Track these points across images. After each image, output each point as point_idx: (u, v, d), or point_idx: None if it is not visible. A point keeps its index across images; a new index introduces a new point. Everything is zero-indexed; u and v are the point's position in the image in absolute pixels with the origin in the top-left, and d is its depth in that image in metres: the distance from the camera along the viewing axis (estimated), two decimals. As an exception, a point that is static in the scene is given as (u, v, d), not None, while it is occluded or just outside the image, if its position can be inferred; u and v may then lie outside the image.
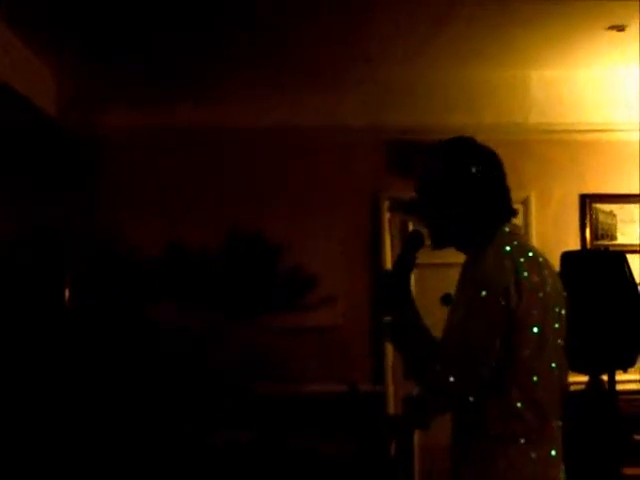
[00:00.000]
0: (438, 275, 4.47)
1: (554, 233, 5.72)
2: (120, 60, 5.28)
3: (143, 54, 5.17)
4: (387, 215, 5.81)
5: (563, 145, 5.83)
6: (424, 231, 2.31)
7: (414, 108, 5.67)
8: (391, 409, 5.69)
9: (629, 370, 4.00)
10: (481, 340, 2.07)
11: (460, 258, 2.32)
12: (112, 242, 5.48)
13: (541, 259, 2.22)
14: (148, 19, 4.63)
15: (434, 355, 2.12)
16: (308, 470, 4.89)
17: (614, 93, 5.74)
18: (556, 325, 2.18)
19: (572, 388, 3.95)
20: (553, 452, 2.16)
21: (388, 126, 5.69)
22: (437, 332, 2.20)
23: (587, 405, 4.20)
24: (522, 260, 2.13)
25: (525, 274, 2.10)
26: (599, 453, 4.13)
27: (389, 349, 5.52)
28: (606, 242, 5.76)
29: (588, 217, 5.84)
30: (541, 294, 2.14)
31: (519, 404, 2.10)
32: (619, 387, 4.18)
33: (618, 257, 4.12)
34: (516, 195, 2.33)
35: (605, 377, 4.13)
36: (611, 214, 5.86)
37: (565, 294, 2.27)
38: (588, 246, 5.78)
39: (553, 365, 2.17)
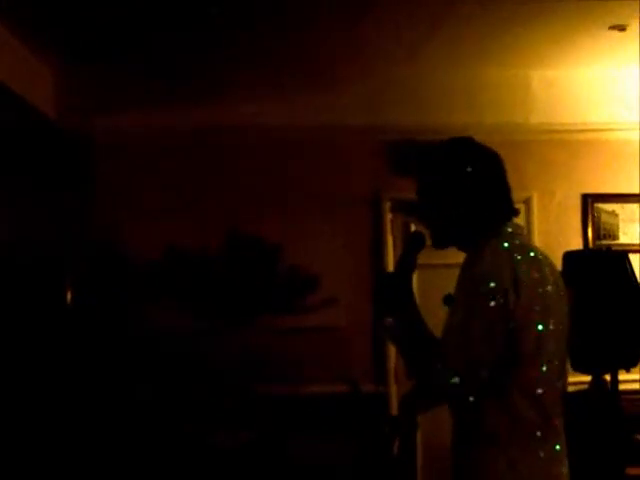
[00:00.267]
0: (440, 276, 4.46)
1: (556, 233, 5.72)
2: (120, 60, 5.27)
3: (143, 54, 5.17)
4: (389, 215, 5.80)
5: (565, 145, 5.82)
6: (425, 232, 2.30)
7: (415, 108, 5.67)
8: (393, 410, 5.68)
9: (632, 370, 4.00)
10: (481, 339, 2.06)
11: (462, 259, 2.31)
12: (112, 243, 5.47)
13: (542, 258, 2.22)
14: (148, 19, 4.62)
15: (435, 355, 2.11)
16: (308, 471, 4.88)
17: (615, 93, 5.74)
18: (557, 324, 2.17)
19: (575, 388, 3.94)
20: (557, 447, 2.16)
21: (389, 126, 5.69)
22: (439, 332, 2.19)
23: (590, 405, 4.19)
24: (521, 259, 2.13)
25: (524, 272, 2.10)
26: (602, 453, 4.12)
27: (391, 350, 5.51)
28: (608, 242, 5.76)
29: (590, 217, 5.83)
30: (541, 292, 2.13)
31: (520, 403, 2.10)
32: (622, 387, 4.17)
33: (620, 257, 4.11)
34: (518, 195, 2.32)
35: (608, 377, 4.12)
36: (613, 214, 5.86)
37: (567, 294, 2.26)
38: (590, 246, 5.78)
39: (554, 363, 2.16)
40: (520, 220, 2.36)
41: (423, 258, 2.30)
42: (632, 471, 4.28)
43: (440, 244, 2.30)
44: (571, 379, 2.35)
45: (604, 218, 5.85)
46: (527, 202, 5.72)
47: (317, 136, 5.69)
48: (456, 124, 5.32)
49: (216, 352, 5.37)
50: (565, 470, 2.19)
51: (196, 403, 5.24)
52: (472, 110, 5.66)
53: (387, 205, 5.79)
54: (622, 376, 4.10)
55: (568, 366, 2.31)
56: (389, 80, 5.66)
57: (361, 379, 5.45)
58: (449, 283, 2.27)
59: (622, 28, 4.87)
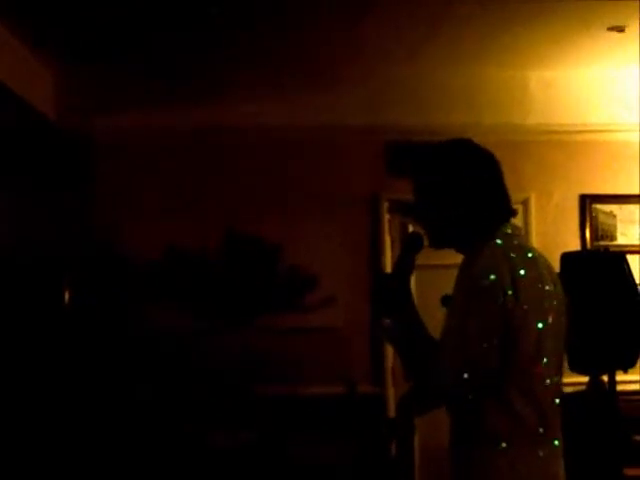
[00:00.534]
0: (438, 277, 4.46)
1: (554, 234, 5.72)
2: (120, 60, 5.28)
3: (143, 54, 5.18)
4: (387, 216, 5.81)
5: (563, 145, 5.83)
6: (423, 232, 2.31)
7: (413, 108, 5.67)
8: (391, 411, 5.68)
9: (629, 371, 4.00)
10: (479, 339, 2.06)
11: (460, 259, 2.31)
12: (111, 243, 5.48)
13: (540, 259, 2.22)
14: (148, 19, 4.63)
15: (433, 356, 2.12)
16: (308, 472, 4.88)
17: (614, 94, 5.74)
18: (555, 323, 2.17)
19: (572, 389, 3.95)
20: (556, 442, 2.17)
21: (387, 126, 5.69)
22: (437, 333, 2.19)
23: (587, 406, 4.19)
24: (519, 259, 2.13)
25: (522, 272, 2.10)
26: (599, 454, 4.12)
27: (389, 351, 5.52)
28: (606, 243, 5.76)
29: (588, 218, 5.83)
30: (539, 292, 2.13)
31: (519, 402, 2.10)
32: (619, 388, 4.17)
33: (618, 258, 4.11)
34: (516, 196, 2.32)
35: (605, 378, 4.13)
36: (611, 215, 5.86)
37: (564, 295, 2.27)
38: (588, 247, 5.78)
39: (553, 363, 2.16)
40: (518, 221, 2.36)
41: (421, 259, 2.31)
42: (630, 472, 4.29)
43: (438, 245, 2.30)
44: (569, 380, 2.36)
45: (602, 219, 5.85)
46: (525, 203, 5.72)
47: (316, 136, 5.69)
48: (455, 124, 5.33)
49: (216, 352, 5.37)
50: (562, 471, 2.20)
51: (196, 403, 5.25)
52: (470, 110, 5.67)
53: (385, 205, 5.79)
54: (620, 377, 4.11)
55: (565, 366, 2.32)
56: (388, 80, 5.66)
57: (359, 380, 5.46)
58: (447, 284, 2.27)
59: (621, 29, 4.88)
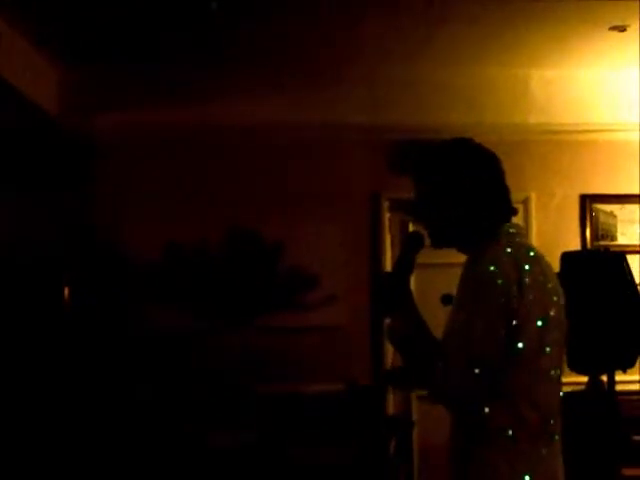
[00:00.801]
0: (438, 275, 4.47)
1: (554, 233, 5.71)
2: (120, 60, 5.28)
3: (143, 54, 5.18)
4: (387, 215, 5.81)
5: (563, 145, 5.82)
6: (424, 231, 2.31)
7: (414, 107, 5.67)
8: (391, 408, 5.69)
9: (629, 371, 4.00)
10: (483, 339, 2.06)
11: (461, 258, 2.32)
12: (111, 242, 5.47)
13: (541, 257, 2.23)
14: (148, 19, 4.63)
15: (436, 356, 2.12)
16: (308, 471, 4.88)
17: (615, 93, 5.74)
18: (555, 317, 2.18)
19: (572, 388, 3.94)
20: (556, 436, 2.17)
21: (388, 125, 5.68)
22: (438, 333, 2.19)
23: (587, 406, 4.19)
24: (524, 259, 2.14)
25: (527, 272, 2.11)
26: (598, 453, 4.12)
27: (390, 349, 5.52)
28: (606, 242, 5.76)
29: (588, 217, 5.83)
30: (542, 290, 2.14)
31: (521, 401, 2.10)
32: (619, 387, 4.18)
33: (618, 258, 4.12)
34: (516, 195, 2.32)
35: (605, 378, 4.13)
36: (611, 214, 5.85)
37: (563, 295, 2.27)
38: (588, 246, 5.78)
39: (553, 364, 2.17)
40: (518, 220, 2.36)
41: (422, 258, 2.31)
42: (628, 472, 4.29)
43: (439, 244, 2.30)
44: (568, 379, 2.36)
45: (602, 219, 5.85)
46: (525, 202, 5.72)
47: (317, 135, 5.69)
48: (455, 124, 5.33)
49: (216, 352, 5.37)
50: (561, 468, 2.21)
51: (196, 403, 5.24)
52: (471, 110, 5.66)
53: (386, 204, 5.79)
54: (619, 377, 4.11)
55: (564, 366, 2.32)
56: (389, 80, 5.66)
57: (360, 378, 5.45)
58: (447, 283, 2.27)
59: (622, 29, 4.87)
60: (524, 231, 2.42)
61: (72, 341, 5.26)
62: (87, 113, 5.56)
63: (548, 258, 2.28)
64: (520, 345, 2.08)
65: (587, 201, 5.85)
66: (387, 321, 2.26)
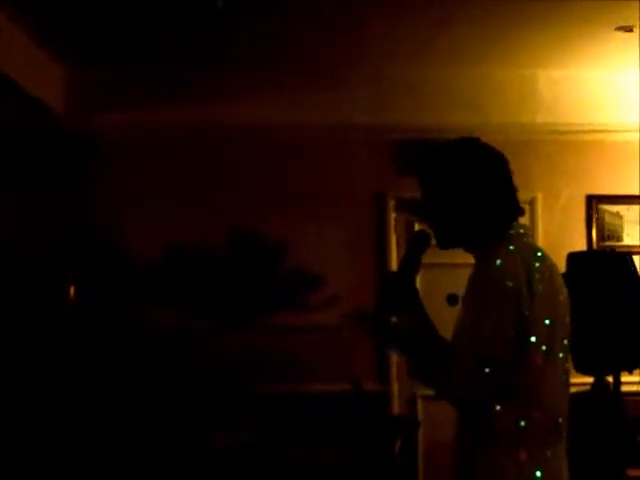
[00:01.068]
0: (444, 275, 4.47)
1: (560, 234, 5.71)
2: (120, 60, 5.29)
3: (143, 54, 5.18)
4: (393, 215, 5.80)
5: (570, 145, 5.82)
6: (430, 231, 2.30)
7: (420, 107, 5.66)
8: (395, 409, 5.68)
9: (634, 371, 4.00)
10: (492, 340, 2.06)
11: (466, 258, 2.31)
12: (112, 242, 5.47)
13: (548, 259, 2.22)
14: (148, 19, 4.63)
15: (445, 357, 2.11)
16: (308, 471, 4.87)
17: (621, 94, 5.72)
18: (562, 315, 2.18)
19: (577, 389, 3.93)
20: (561, 445, 2.17)
21: (393, 125, 5.68)
22: (444, 332, 2.19)
23: (592, 406, 4.19)
24: (533, 261, 2.14)
25: (536, 273, 2.11)
26: (603, 454, 4.12)
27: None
28: (612, 243, 5.75)
29: (594, 218, 5.82)
30: (551, 292, 2.14)
31: (529, 403, 2.10)
32: (624, 388, 4.17)
33: (624, 258, 4.11)
34: (522, 195, 2.31)
35: (610, 378, 4.12)
36: (617, 215, 5.85)
37: (568, 295, 2.27)
38: (594, 247, 5.77)
39: (561, 366, 2.17)
40: (524, 221, 2.35)
41: (427, 257, 2.30)
42: (633, 472, 4.29)
43: (445, 245, 2.30)
44: (573, 380, 2.35)
45: (608, 219, 5.84)
46: (532, 203, 5.71)
47: (322, 135, 5.69)
48: (462, 124, 5.31)
49: (216, 352, 5.36)
50: (566, 470, 2.20)
51: (196, 403, 5.24)
52: (478, 110, 5.65)
53: (391, 204, 5.79)
54: (624, 378, 4.10)
55: (570, 366, 2.31)
56: (394, 80, 5.65)
57: (363, 378, 5.45)
58: (453, 282, 2.27)
59: (629, 29, 4.86)
60: (530, 232, 2.42)
61: (72, 341, 5.26)
62: (87, 113, 5.56)
63: (554, 258, 2.28)
64: (533, 339, 2.08)
65: (593, 202, 5.84)
66: (393, 320, 2.26)
